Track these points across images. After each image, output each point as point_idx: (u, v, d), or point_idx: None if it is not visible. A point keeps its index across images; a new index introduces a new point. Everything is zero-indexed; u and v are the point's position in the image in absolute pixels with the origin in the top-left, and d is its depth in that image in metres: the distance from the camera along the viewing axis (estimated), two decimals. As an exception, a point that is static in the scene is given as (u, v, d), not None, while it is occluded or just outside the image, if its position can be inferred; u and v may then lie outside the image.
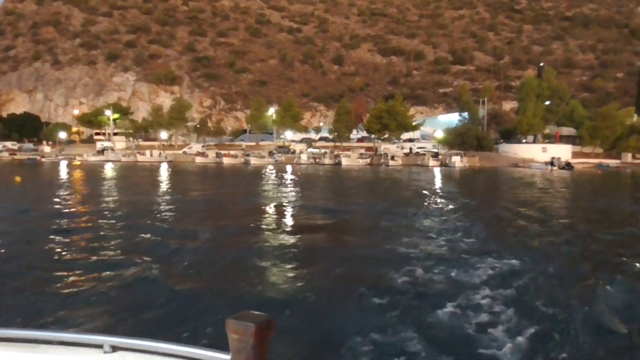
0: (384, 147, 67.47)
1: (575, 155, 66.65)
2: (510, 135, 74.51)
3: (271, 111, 74.82)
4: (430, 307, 7.87)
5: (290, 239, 13.48)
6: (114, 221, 16.30)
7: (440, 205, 22.42)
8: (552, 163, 59.44)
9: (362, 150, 65.28)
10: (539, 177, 45.42)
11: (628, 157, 66.86)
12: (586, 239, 14.41)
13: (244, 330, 1.18)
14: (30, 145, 77.29)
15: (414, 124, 73.69)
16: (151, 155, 64.81)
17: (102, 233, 13.99)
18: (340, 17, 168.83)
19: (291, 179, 38.57)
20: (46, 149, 75.12)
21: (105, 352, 1.61)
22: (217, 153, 63.13)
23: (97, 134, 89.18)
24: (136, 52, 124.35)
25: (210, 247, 12.40)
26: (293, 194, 27.36)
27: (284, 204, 22.18)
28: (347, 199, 25.99)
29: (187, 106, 77.79)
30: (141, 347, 1.59)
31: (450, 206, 21.85)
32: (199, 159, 60.70)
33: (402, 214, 18.56)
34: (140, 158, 63.28)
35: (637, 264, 11.16)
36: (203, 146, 70.63)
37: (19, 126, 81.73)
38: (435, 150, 66.04)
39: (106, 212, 18.28)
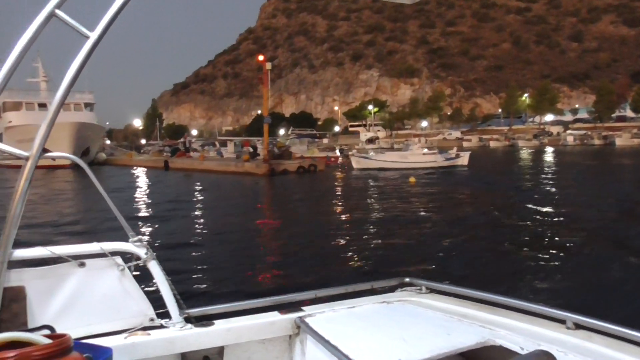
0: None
1: None
2: None
3: (525, 96, 77.98)
4: None
5: None
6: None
7: None
8: None
9: (635, 130, 64.16)
10: None
11: None
12: None
13: None
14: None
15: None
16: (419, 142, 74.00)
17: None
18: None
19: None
20: (324, 140, 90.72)
21: (568, 328, 1.57)
22: (480, 138, 69.36)
23: (351, 126, 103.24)
24: (376, 50, 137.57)
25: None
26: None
27: None
28: None
29: (441, 96, 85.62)
30: (608, 330, 1.47)
31: None
32: (465, 144, 67.62)
33: None
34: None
35: None
36: (462, 132, 77.60)
37: (299, 122, 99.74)
38: None
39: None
